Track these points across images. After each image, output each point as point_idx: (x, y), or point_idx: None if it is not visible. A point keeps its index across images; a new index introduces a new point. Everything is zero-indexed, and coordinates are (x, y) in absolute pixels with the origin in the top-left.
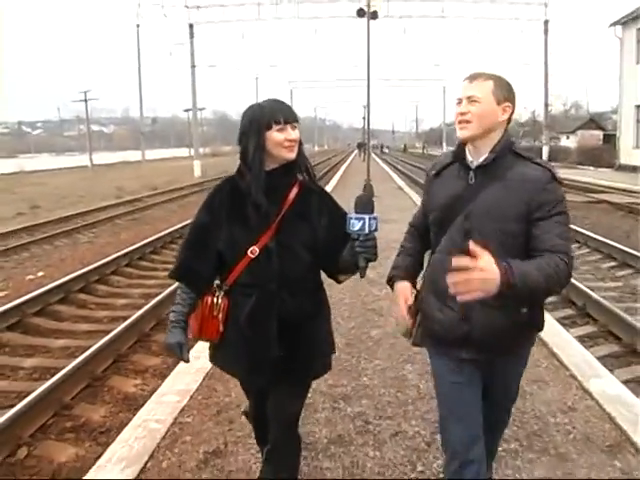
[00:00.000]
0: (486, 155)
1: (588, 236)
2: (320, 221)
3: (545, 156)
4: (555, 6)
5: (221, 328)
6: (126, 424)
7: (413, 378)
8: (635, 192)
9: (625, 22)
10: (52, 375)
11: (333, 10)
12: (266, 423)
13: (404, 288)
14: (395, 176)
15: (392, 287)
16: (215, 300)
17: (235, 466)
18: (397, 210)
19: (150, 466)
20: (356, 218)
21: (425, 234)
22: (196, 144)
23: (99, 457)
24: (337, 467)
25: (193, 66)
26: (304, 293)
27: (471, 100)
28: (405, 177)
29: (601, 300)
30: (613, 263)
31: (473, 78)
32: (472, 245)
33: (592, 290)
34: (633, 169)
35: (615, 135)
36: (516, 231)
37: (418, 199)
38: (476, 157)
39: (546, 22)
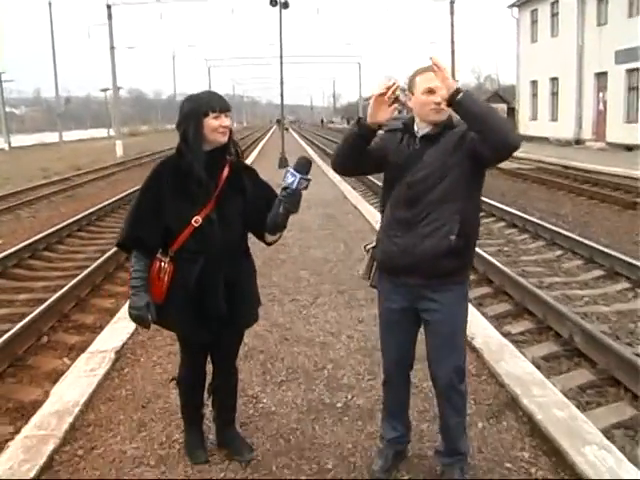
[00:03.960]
0: (430, 127)
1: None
2: (250, 190)
3: None
4: None
5: (164, 289)
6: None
7: (307, 277)
8: (522, 159)
9: (520, 4)
10: (42, 303)
11: None
12: (200, 387)
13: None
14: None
15: (363, 127)
16: (162, 265)
17: None
18: None
19: None
20: (292, 174)
21: None
22: (117, 125)
23: (109, 321)
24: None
25: (112, 47)
26: (239, 256)
27: (440, 89)
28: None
29: None
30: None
31: (432, 70)
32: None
33: None
34: (530, 139)
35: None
36: (457, 163)
37: (326, 167)
38: (421, 129)
39: (452, 2)
